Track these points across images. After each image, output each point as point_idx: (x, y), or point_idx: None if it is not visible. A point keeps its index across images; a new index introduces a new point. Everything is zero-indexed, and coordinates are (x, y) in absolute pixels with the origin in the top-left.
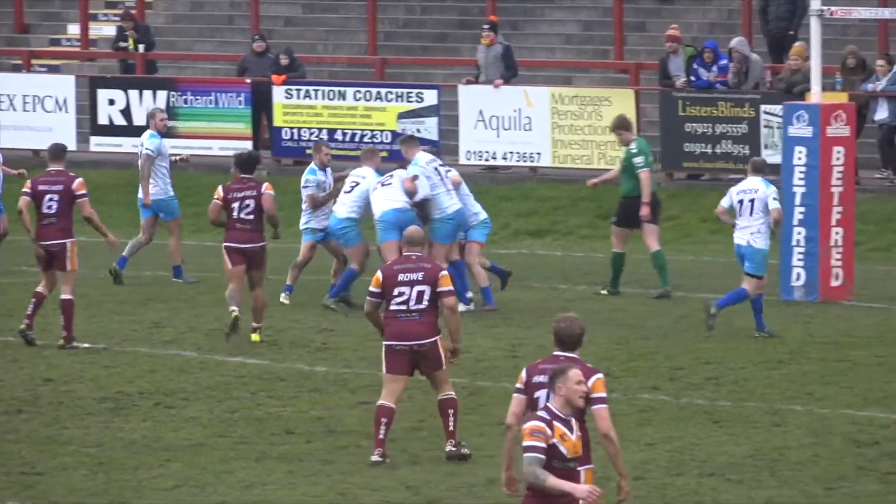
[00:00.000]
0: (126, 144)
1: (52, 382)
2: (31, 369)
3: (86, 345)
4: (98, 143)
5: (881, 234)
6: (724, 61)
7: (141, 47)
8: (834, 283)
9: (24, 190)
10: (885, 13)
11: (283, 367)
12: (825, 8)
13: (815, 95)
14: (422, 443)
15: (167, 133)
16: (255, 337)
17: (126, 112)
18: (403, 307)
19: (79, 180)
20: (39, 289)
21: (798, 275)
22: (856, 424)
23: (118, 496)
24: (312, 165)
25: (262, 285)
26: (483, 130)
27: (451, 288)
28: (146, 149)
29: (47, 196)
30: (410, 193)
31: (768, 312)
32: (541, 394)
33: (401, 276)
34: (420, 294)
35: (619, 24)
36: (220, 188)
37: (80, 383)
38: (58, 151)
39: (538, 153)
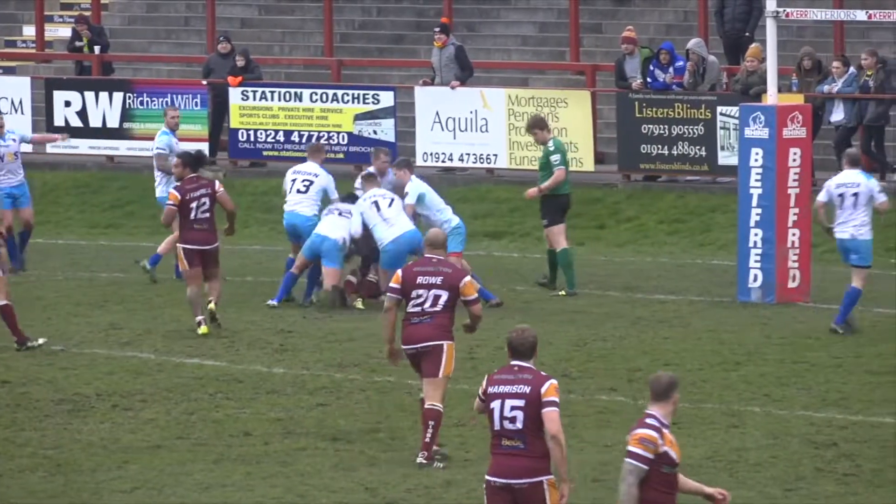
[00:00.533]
0: (82, 146)
1: (8, 384)
2: None
3: (42, 340)
4: (54, 145)
5: None
6: (681, 63)
7: (96, 49)
8: (791, 285)
9: None
10: (841, 15)
11: (241, 368)
12: (781, 9)
13: (772, 97)
14: (380, 444)
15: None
16: (210, 306)
17: (82, 114)
18: (418, 309)
19: None
20: None
21: (755, 276)
22: (814, 426)
23: (76, 498)
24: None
25: (217, 278)
26: (439, 132)
27: (476, 296)
28: (157, 147)
29: None
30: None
31: (724, 314)
32: (496, 405)
33: (419, 279)
34: (436, 298)
35: (575, 25)
36: (173, 191)
37: (38, 385)
38: None
39: (495, 154)
